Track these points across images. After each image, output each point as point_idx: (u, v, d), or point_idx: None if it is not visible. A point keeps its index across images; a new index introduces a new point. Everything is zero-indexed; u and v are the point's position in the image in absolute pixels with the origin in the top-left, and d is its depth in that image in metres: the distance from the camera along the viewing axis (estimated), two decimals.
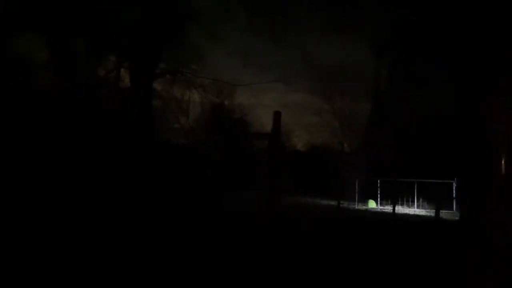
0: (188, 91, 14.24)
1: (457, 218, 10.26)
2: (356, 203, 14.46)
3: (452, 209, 12.26)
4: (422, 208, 13.26)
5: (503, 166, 3.55)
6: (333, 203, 14.07)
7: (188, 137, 14.57)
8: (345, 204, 13.97)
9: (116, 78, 12.29)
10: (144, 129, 10.24)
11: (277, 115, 13.16)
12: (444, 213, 11.61)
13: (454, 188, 12.43)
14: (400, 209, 12.96)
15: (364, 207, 14.19)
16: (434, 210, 11.70)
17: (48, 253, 4.83)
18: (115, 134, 8.78)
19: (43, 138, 7.52)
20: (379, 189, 14.55)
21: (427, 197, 13.50)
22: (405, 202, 13.52)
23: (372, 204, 14.54)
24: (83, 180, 7.37)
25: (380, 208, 14.06)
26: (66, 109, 7.97)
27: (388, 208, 13.31)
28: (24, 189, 6.72)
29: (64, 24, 9.28)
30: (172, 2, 10.54)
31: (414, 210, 13.18)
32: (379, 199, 14.52)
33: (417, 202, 13.50)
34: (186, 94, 14.45)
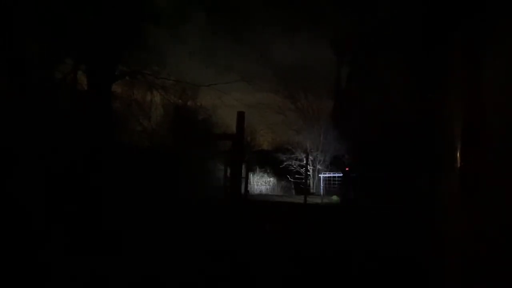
0: (149, 93, 13.92)
1: None
2: (321, 198, 14.97)
3: None
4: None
5: (458, 160, 3.68)
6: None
7: (151, 139, 14.25)
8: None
9: (74, 80, 11.84)
10: (103, 132, 9.94)
11: (240, 115, 13.33)
12: None
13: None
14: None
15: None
16: None
17: None
18: (72, 137, 8.48)
19: None
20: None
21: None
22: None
23: (336, 199, 15.04)
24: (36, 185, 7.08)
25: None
26: (19, 112, 7.61)
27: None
28: None
29: (16, 25, 8.86)
30: (128, 3, 10.28)
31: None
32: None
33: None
34: (148, 96, 14.12)
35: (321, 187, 15.92)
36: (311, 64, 14.94)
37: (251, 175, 17.29)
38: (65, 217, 6.84)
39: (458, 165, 3.78)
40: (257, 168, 18.26)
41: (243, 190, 13.37)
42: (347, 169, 15.56)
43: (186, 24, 11.52)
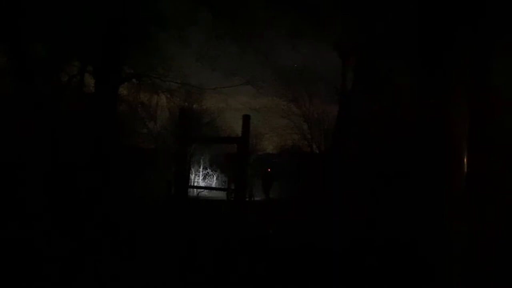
0: (155, 96, 13.98)
1: None
2: None
3: None
4: None
5: (463, 161, 3.66)
6: None
7: (157, 142, 14.31)
8: None
9: (80, 83, 11.94)
10: (109, 134, 10.00)
11: (246, 119, 13.40)
12: None
13: None
14: None
15: None
16: None
17: None
18: (78, 139, 8.54)
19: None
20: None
21: None
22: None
23: None
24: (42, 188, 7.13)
25: None
26: (26, 114, 7.67)
27: None
28: None
29: (24, 28, 8.95)
30: (134, 6, 10.37)
31: None
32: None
33: None
34: (154, 99, 14.18)
35: None
36: (316, 67, 14.89)
37: (255, 178, 17.32)
38: (67, 217, 6.87)
39: (463, 166, 3.76)
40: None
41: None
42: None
43: (191, 27, 11.59)
